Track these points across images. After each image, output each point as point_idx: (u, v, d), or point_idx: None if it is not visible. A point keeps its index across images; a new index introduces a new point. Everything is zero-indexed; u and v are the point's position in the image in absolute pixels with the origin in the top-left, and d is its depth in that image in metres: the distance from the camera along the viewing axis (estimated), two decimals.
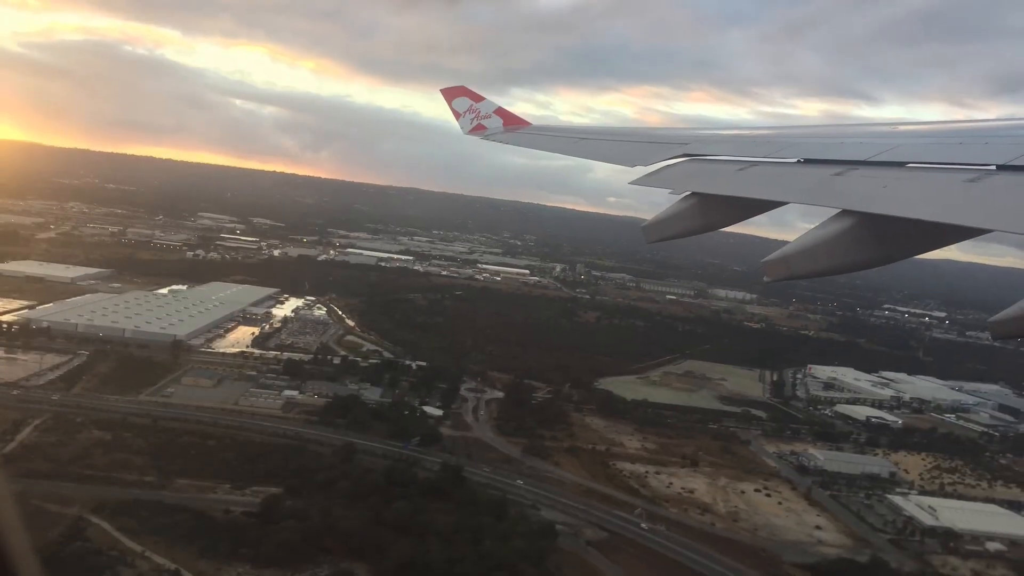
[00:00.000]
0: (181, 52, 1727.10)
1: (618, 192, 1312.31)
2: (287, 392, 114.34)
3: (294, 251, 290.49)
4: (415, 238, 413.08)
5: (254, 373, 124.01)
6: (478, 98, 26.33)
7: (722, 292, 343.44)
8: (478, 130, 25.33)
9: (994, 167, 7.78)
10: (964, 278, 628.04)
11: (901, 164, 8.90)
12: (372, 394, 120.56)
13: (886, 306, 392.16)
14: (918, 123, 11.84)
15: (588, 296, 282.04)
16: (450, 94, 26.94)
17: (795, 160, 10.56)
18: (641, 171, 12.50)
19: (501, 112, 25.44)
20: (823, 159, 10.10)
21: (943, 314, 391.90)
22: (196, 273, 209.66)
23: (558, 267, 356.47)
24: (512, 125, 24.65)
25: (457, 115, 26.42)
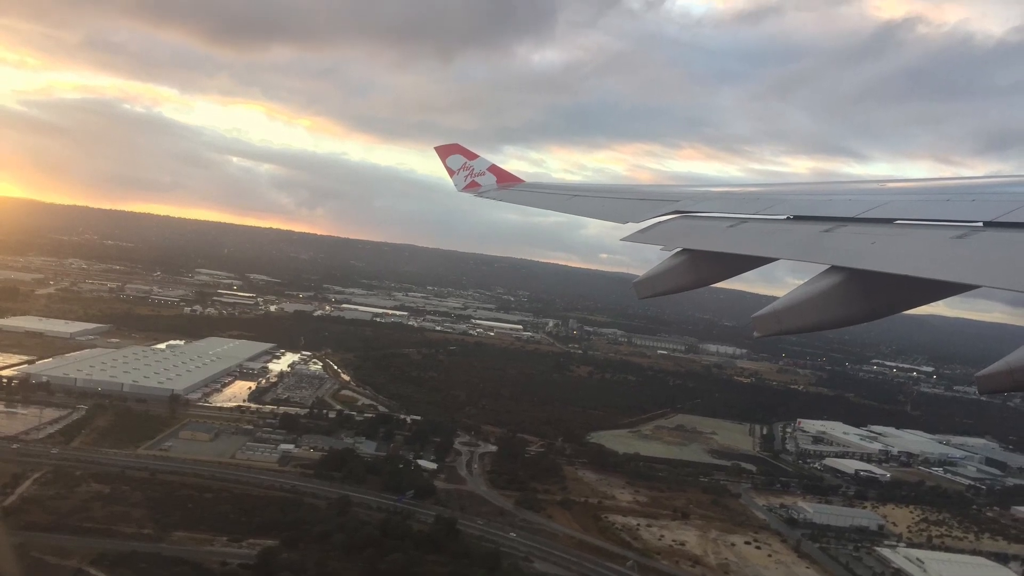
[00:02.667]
0: (179, 110, 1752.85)
1: (610, 248, 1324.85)
2: (283, 446, 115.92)
3: (290, 307, 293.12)
4: (410, 294, 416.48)
5: (251, 427, 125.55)
6: (472, 156, 26.70)
7: (712, 347, 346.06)
8: (472, 187, 25.68)
9: (981, 224, 7.87)
10: (951, 333, 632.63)
11: (889, 221, 9.03)
12: (367, 448, 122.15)
13: (874, 361, 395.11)
14: (906, 180, 12.00)
15: (580, 351, 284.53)
16: (444, 152, 27.30)
17: (785, 217, 10.69)
18: (633, 227, 12.70)
19: (494, 169, 25.81)
20: (812, 216, 10.18)
21: (931, 368, 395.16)
22: (194, 328, 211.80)
23: (551, 322, 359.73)
24: (505, 182, 24.85)
25: (451, 172, 26.75)
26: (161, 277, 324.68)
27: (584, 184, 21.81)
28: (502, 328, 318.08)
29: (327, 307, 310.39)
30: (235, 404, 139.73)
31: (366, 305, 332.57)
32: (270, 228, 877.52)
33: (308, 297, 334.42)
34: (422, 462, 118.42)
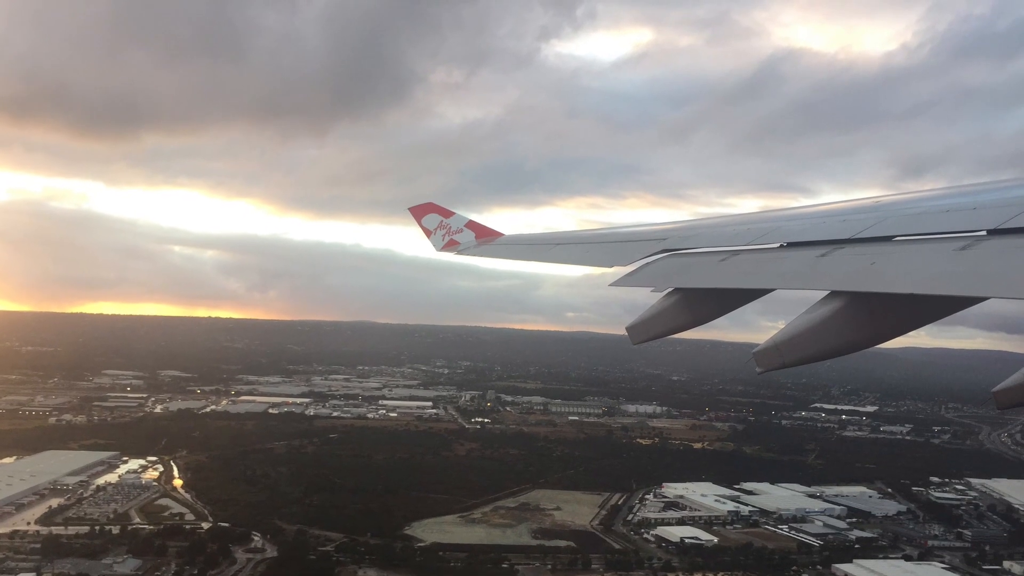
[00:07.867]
0: (108, 203, 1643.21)
1: (576, 307, 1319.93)
2: None
3: (182, 404, 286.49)
4: (331, 377, 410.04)
5: (1, 556, 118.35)
6: (447, 213, 25.96)
7: (632, 407, 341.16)
8: (451, 246, 24.88)
9: (984, 232, 7.55)
10: (919, 366, 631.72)
11: (888, 238, 8.69)
12: (125, 567, 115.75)
13: (814, 405, 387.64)
14: (904, 193, 11.70)
15: (479, 426, 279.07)
16: (419, 212, 26.60)
17: (778, 245, 10.33)
18: (621, 271, 12.17)
19: (472, 225, 25.09)
20: (806, 241, 9.89)
21: (874, 408, 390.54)
22: (46, 441, 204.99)
23: (466, 396, 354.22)
24: (485, 237, 24.17)
25: (428, 233, 25.96)
26: (55, 384, 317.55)
27: (566, 232, 20.75)
28: (408, 407, 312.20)
29: (223, 401, 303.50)
30: (12, 529, 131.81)
31: (272, 395, 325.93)
32: (219, 317, 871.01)
33: (209, 391, 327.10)
34: None
